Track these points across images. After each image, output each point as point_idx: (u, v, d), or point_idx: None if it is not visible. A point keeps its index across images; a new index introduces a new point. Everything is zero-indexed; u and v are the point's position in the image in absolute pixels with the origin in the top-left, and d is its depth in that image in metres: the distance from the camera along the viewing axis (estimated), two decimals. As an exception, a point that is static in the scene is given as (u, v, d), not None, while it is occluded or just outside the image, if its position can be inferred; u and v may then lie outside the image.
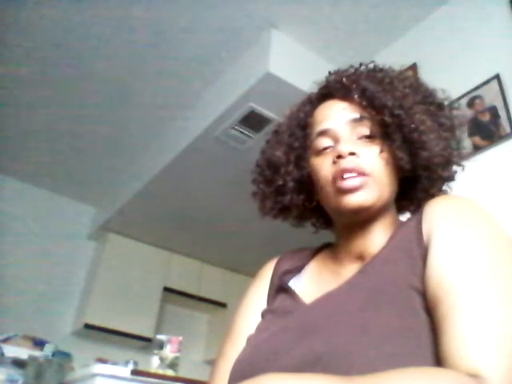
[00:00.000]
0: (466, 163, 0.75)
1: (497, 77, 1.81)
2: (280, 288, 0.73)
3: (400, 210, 0.75)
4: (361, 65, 0.76)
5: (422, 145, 0.66)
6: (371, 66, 0.76)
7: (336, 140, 0.68)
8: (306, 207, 0.77)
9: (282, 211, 0.79)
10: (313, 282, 0.72)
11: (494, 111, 1.78)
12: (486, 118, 1.80)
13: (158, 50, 2.55)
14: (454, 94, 1.86)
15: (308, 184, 0.74)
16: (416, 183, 0.73)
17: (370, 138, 0.68)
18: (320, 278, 0.72)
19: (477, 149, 1.76)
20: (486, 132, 1.77)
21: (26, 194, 3.78)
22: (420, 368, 0.47)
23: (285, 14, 2.31)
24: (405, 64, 2.13)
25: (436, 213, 0.61)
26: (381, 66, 0.76)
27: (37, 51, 2.58)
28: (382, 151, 0.67)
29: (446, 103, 0.74)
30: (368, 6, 2.21)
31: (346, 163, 0.65)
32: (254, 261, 1.54)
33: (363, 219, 0.68)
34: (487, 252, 0.54)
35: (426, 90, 0.74)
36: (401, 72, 0.77)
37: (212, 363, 0.73)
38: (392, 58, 2.29)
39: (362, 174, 0.65)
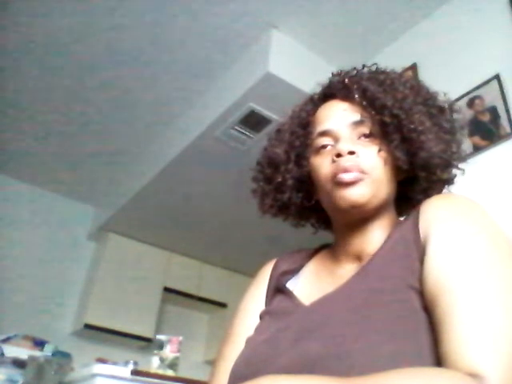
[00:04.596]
0: (466, 166, 0.75)
1: (497, 77, 1.81)
2: (278, 289, 0.74)
3: (400, 212, 0.75)
4: (363, 66, 0.78)
5: (421, 145, 0.67)
6: (373, 67, 0.77)
7: (336, 140, 0.69)
8: (304, 206, 0.78)
9: (281, 209, 0.79)
10: (310, 283, 0.72)
11: (493, 111, 1.78)
12: (486, 118, 1.80)
13: (158, 50, 2.55)
14: (454, 94, 1.86)
15: (307, 182, 0.75)
16: (415, 185, 0.73)
17: (369, 137, 0.69)
18: (318, 279, 0.72)
19: (477, 149, 1.76)
20: (486, 132, 1.77)
21: (26, 194, 3.77)
22: (419, 368, 0.47)
23: (285, 14, 2.31)
24: (405, 64, 2.13)
25: (432, 211, 0.61)
26: (383, 68, 0.77)
27: (37, 52, 2.58)
28: (380, 150, 0.68)
29: (447, 106, 0.74)
30: (368, 6, 2.21)
31: (345, 161, 0.66)
32: (254, 261, 1.54)
33: (361, 218, 0.69)
34: (484, 250, 0.54)
35: (427, 92, 0.75)
36: (402, 74, 0.78)
37: (212, 363, 0.74)
38: (392, 57, 2.31)
39: (360, 171, 0.66)
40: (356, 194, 0.65)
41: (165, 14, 2.34)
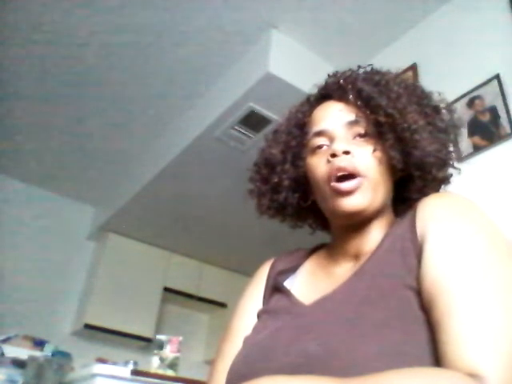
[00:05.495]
0: (463, 165, 0.75)
1: (497, 77, 1.81)
2: (275, 288, 0.74)
3: (398, 212, 0.75)
4: (359, 67, 0.78)
5: (415, 144, 0.67)
6: (368, 68, 0.78)
7: (332, 140, 0.70)
8: (301, 206, 0.78)
9: (278, 210, 0.80)
10: (307, 282, 0.73)
11: (494, 111, 1.78)
12: (486, 117, 1.80)
13: (158, 50, 2.55)
14: (454, 94, 1.87)
15: (303, 183, 0.75)
16: (411, 184, 0.73)
17: (364, 137, 0.69)
18: (315, 278, 0.72)
19: (477, 149, 1.76)
20: (486, 132, 1.77)
21: (26, 194, 3.78)
22: (419, 368, 0.47)
23: (285, 14, 2.31)
24: (405, 64, 2.13)
25: (429, 210, 0.61)
26: (378, 69, 0.78)
27: (37, 51, 2.58)
28: (375, 150, 0.68)
29: (442, 106, 0.75)
30: (368, 6, 2.21)
31: (340, 161, 0.66)
32: (254, 261, 1.54)
33: (359, 220, 0.69)
34: (482, 249, 0.54)
35: (421, 92, 0.75)
36: (397, 75, 0.79)
37: (211, 363, 0.74)
38: (392, 58, 2.31)
39: (355, 173, 0.66)
40: (354, 204, 0.66)
41: (164, 14, 2.34)
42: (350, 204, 0.66)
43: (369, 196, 0.66)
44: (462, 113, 1.78)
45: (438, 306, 0.51)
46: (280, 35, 2.40)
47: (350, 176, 0.66)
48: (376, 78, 0.74)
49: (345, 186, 0.65)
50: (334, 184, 0.66)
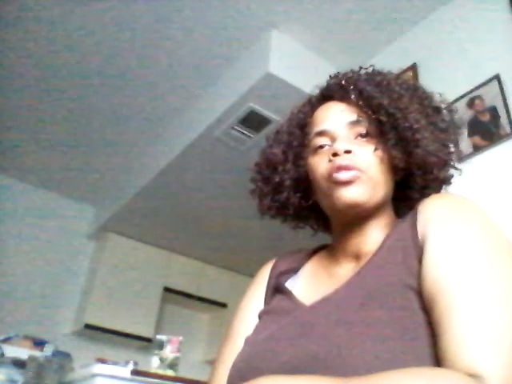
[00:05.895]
0: (463, 165, 0.75)
1: (497, 77, 1.81)
2: (277, 289, 0.74)
3: (398, 212, 0.75)
4: (360, 68, 0.78)
5: (416, 143, 0.67)
6: (370, 69, 0.78)
7: (333, 139, 0.70)
8: (302, 206, 0.78)
9: (280, 210, 0.80)
10: (309, 283, 0.73)
11: (493, 111, 1.78)
12: (486, 117, 1.80)
13: (158, 49, 2.55)
14: (454, 94, 1.87)
15: (305, 183, 0.76)
16: (413, 184, 0.73)
17: (366, 137, 0.69)
18: (316, 278, 0.73)
19: (477, 149, 1.76)
20: (486, 132, 1.77)
21: (26, 194, 3.77)
22: (419, 368, 0.47)
23: (285, 14, 2.31)
24: (405, 64, 2.13)
25: (430, 211, 0.61)
26: (379, 70, 0.78)
27: (37, 51, 2.58)
28: (376, 149, 0.68)
29: (443, 106, 0.75)
30: (368, 6, 2.21)
31: (341, 160, 0.66)
32: (254, 261, 1.54)
33: (359, 217, 0.69)
34: (483, 249, 0.54)
35: (423, 92, 0.76)
36: (399, 76, 0.79)
37: (212, 363, 0.74)
38: (392, 58, 2.31)
39: (356, 170, 0.66)
40: (353, 194, 0.66)
41: (165, 15, 2.34)
42: (348, 194, 0.65)
43: (367, 190, 0.66)
44: (462, 113, 1.78)
45: (438, 306, 0.51)
46: (280, 35, 2.40)
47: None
48: (377, 78, 0.74)
49: (343, 175, 0.65)
50: (334, 177, 0.66)
